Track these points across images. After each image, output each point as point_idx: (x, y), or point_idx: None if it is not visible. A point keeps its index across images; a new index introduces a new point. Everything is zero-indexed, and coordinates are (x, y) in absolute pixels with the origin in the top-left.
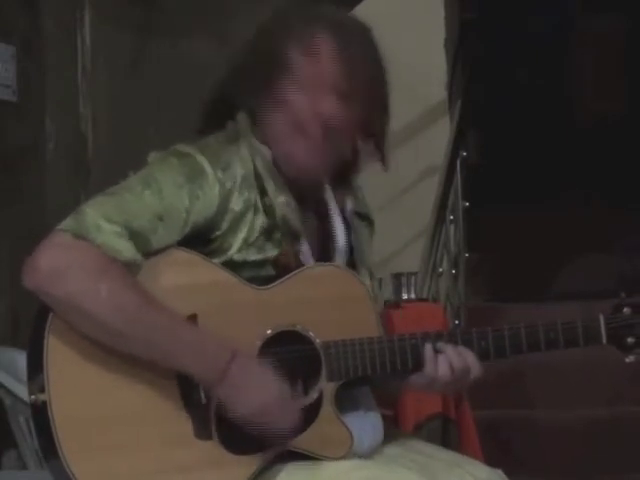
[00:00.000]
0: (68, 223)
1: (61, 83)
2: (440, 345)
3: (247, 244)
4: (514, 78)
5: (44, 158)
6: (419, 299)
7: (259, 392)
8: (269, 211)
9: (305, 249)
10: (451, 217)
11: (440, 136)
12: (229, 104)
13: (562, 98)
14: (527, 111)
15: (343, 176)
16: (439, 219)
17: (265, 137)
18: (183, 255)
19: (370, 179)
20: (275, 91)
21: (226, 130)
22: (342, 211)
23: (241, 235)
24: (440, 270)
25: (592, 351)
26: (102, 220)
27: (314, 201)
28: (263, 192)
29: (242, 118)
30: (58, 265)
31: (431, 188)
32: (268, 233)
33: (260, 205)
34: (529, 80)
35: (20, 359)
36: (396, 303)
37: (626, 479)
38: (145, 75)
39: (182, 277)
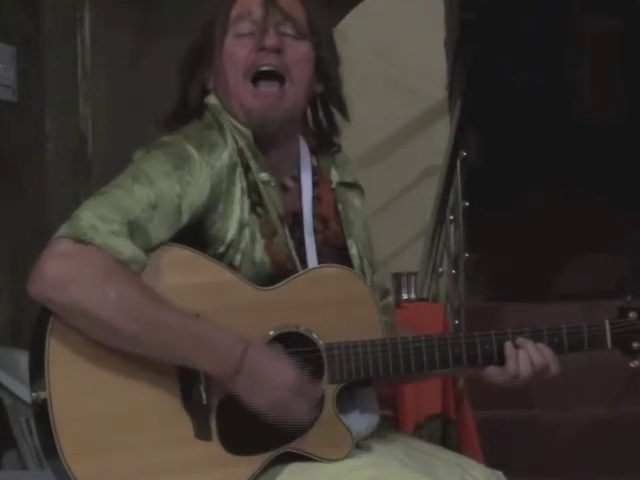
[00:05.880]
0: (64, 230)
1: (61, 83)
2: (520, 341)
3: (241, 226)
4: (514, 78)
5: (44, 158)
6: (419, 299)
7: (275, 381)
8: (253, 188)
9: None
10: (451, 217)
11: (440, 136)
12: (195, 93)
13: (562, 98)
14: (527, 111)
15: (323, 138)
16: (439, 219)
17: (223, 97)
18: (185, 254)
19: (370, 179)
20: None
21: (204, 117)
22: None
23: (235, 216)
24: (440, 270)
25: (593, 351)
26: (97, 220)
27: (290, 177)
28: (247, 169)
29: (211, 98)
30: (63, 274)
31: (431, 188)
32: (254, 210)
33: (245, 183)
34: (529, 80)
35: (21, 359)
36: (396, 303)
37: None
38: (145, 75)
39: (184, 277)
